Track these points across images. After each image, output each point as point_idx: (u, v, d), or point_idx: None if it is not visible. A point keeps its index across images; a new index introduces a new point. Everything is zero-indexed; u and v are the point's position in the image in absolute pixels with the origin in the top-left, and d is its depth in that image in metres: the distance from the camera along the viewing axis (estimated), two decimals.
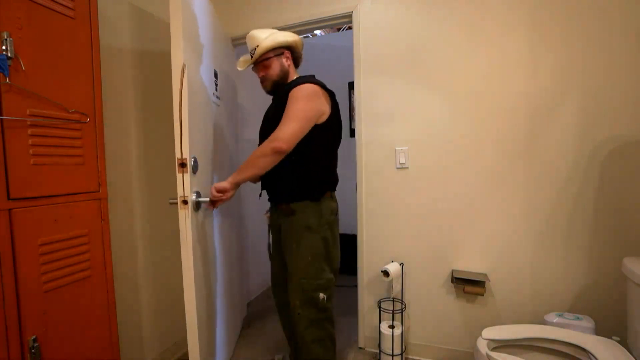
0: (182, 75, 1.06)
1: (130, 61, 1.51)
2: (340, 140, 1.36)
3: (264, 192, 1.40)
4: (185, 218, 1.09)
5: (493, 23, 1.48)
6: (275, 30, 1.34)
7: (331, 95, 1.29)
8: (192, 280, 1.09)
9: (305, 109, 1.18)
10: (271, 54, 1.30)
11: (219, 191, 1.20)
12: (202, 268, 1.25)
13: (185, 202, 1.08)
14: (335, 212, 1.33)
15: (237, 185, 1.24)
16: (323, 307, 1.25)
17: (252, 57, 1.32)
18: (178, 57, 1.06)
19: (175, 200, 1.11)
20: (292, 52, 1.36)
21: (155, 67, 1.64)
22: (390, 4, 1.65)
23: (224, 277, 1.61)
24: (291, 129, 1.15)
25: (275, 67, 1.30)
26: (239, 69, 1.40)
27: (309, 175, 1.25)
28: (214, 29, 1.53)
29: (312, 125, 1.20)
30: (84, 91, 1.06)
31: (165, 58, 1.69)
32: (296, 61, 1.39)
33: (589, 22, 1.35)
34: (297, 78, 1.34)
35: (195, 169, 1.15)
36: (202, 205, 1.23)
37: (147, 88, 1.60)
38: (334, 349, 1.32)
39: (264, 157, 1.16)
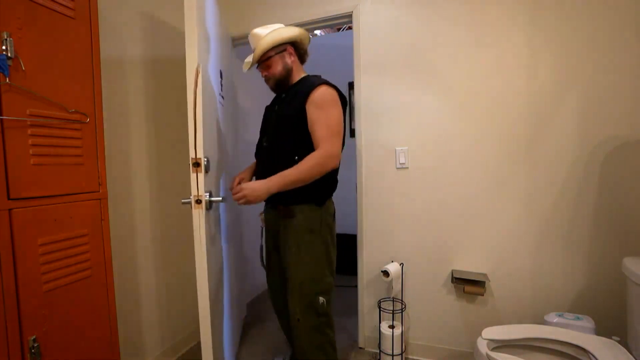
0: (197, 76, 1.06)
1: (135, 66, 1.51)
2: (345, 140, 1.32)
3: None
4: (200, 217, 1.09)
5: (493, 23, 1.48)
6: (277, 26, 1.28)
7: (342, 99, 1.25)
8: (206, 279, 1.10)
9: (339, 118, 1.19)
10: (272, 52, 1.25)
11: (250, 191, 1.12)
12: (213, 267, 1.24)
13: (199, 201, 1.09)
14: (333, 215, 1.32)
15: (270, 193, 1.14)
16: (323, 312, 1.22)
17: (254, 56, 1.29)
18: (193, 58, 1.06)
19: (188, 200, 1.11)
20: (297, 47, 1.30)
21: (157, 68, 1.64)
22: (390, 3, 1.65)
23: (229, 276, 1.61)
24: (339, 145, 1.17)
25: (277, 65, 1.26)
26: (244, 70, 1.36)
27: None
28: (220, 29, 1.52)
29: None
30: (84, 91, 1.06)
31: (167, 60, 1.69)
32: (301, 57, 1.34)
33: (589, 21, 1.35)
34: (309, 77, 1.29)
35: (207, 168, 1.14)
36: (213, 204, 1.21)
37: (148, 89, 1.60)
38: (335, 353, 1.28)
39: (319, 173, 1.14)
